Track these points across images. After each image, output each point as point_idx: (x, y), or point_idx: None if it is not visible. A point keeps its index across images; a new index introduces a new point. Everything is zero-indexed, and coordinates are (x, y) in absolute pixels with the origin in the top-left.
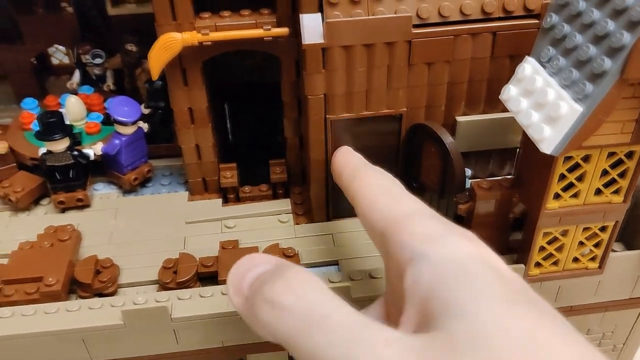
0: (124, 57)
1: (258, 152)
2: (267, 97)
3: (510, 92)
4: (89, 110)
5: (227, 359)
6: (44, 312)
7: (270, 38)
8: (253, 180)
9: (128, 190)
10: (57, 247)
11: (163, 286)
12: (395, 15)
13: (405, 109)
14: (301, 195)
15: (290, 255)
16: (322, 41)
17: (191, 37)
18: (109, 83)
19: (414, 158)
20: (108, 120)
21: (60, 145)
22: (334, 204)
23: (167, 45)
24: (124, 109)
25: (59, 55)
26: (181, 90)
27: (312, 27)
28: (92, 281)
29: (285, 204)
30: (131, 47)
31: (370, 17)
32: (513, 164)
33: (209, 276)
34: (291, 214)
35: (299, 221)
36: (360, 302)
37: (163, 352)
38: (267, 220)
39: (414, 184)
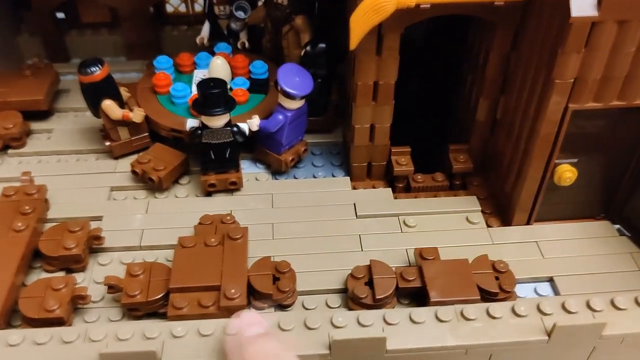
0: (270, 11)
1: (428, 134)
2: (440, 68)
3: None
4: (233, 73)
5: None
6: (225, 332)
7: (502, 3)
8: (424, 167)
9: (281, 171)
10: (230, 248)
11: (355, 301)
12: None
13: None
14: (482, 188)
15: (502, 271)
16: (596, 14)
17: None
18: (244, 40)
19: None
20: (255, 87)
21: (220, 121)
22: (542, 205)
23: (378, 6)
24: (295, 79)
25: (174, 1)
26: (372, 60)
27: None
28: (272, 291)
29: (472, 201)
30: (282, 0)
31: None
32: None
33: (408, 291)
34: (480, 213)
35: (490, 222)
36: None
37: None
38: (453, 219)
39: None
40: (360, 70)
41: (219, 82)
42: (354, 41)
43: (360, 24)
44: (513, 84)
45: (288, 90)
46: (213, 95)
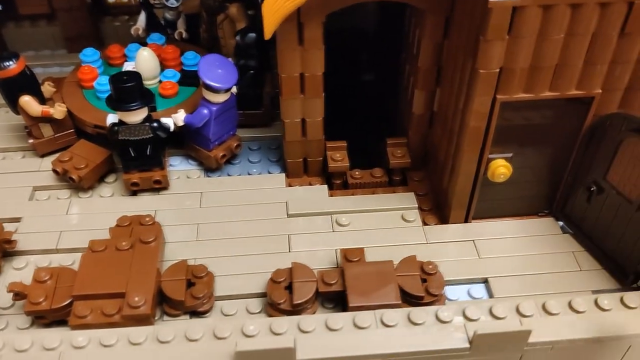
0: (203, 0)
1: (366, 128)
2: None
3: None
4: (163, 65)
5: None
6: (129, 343)
7: None
8: (362, 163)
9: (212, 168)
10: (140, 252)
11: (274, 307)
12: None
13: (600, 91)
14: (423, 183)
15: (431, 272)
16: None
17: None
18: (181, 30)
19: (601, 154)
20: (185, 79)
21: (137, 116)
22: (478, 202)
23: None
24: (217, 72)
25: None
26: (295, 51)
27: None
28: (185, 297)
29: (409, 198)
30: None
31: None
32: None
33: (332, 296)
34: (417, 210)
35: (427, 220)
36: None
37: None
38: (388, 217)
39: (592, 186)
40: (283, 61)
41: (133, 75)
42: (268, 30)
43: (272, 11)
44: (446, 75)
45: (210, 83)
46: (126, 89)
